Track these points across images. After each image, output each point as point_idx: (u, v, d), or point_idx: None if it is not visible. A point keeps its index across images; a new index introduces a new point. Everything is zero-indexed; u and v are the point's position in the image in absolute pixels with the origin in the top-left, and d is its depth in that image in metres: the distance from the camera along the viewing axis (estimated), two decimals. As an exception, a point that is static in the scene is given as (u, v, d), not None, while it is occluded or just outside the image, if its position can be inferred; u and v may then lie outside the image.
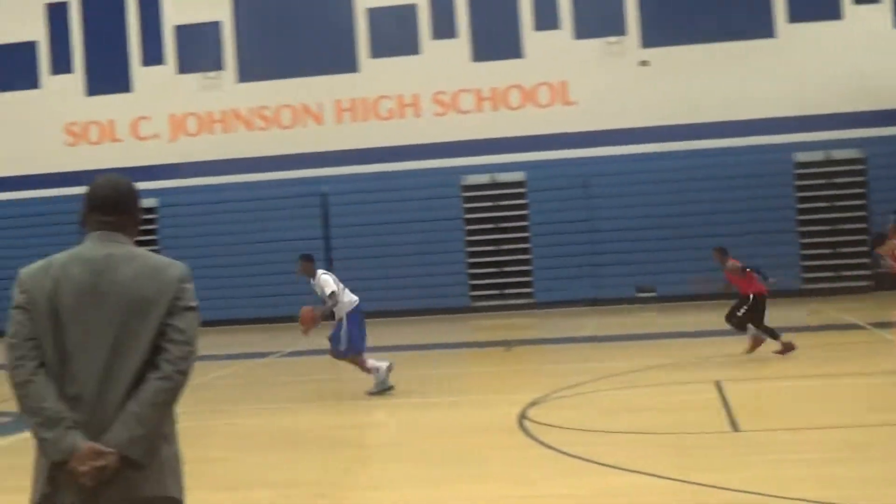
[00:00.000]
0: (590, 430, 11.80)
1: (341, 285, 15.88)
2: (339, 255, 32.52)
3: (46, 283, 4.18)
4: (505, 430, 12.07)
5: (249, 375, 19.69)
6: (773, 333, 17.44)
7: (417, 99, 33.50)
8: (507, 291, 32.64)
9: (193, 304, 4.26)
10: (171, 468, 4.22)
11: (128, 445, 4.05)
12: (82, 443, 4.04)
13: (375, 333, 27.60)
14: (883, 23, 32.10)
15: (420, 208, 32.63)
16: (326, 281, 15.69)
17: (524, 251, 32.72)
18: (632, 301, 31.03)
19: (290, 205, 33.13)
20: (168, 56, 34.41)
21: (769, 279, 17.81)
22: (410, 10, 33.51)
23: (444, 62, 33.22)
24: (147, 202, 32.67)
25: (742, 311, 17.58)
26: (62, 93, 34.61)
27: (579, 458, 10.18)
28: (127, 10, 34.48)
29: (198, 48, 34.15)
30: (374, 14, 33.65)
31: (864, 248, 28.71)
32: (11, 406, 12.98)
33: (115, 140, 34.55)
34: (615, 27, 32.84)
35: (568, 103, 32.82)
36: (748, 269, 17.73)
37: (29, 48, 34.76)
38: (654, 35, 32.64)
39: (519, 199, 32.95)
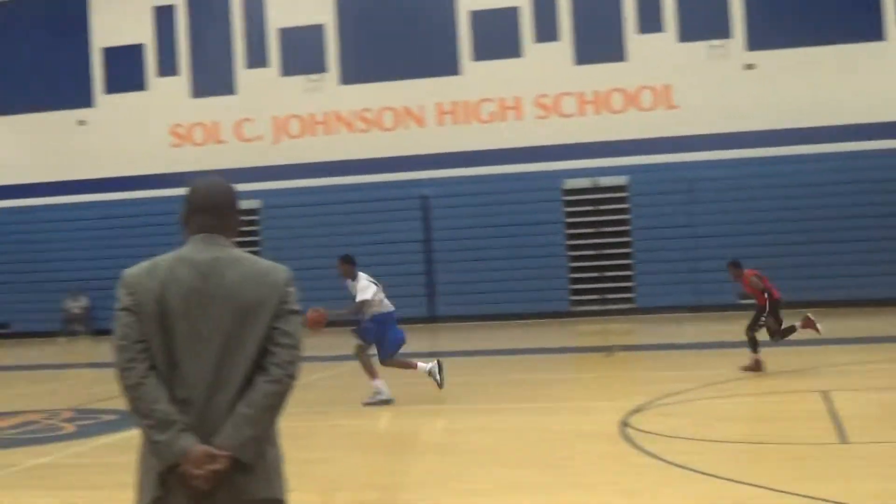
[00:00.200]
0: (693, 439, 11.59)
1: (381, 295, 15.97)
2: (440, 259, 32.53)
3: (153, 286, 4.18)
4: (606, 437, 11.91)
5: (352, 377, 19.70)
6: (755, 345, 17.08)
7: (519, 102, 33.37)
8: (607, 296, 32.35)
9: (297, 307, 4.28)
10: (277, 469, 4.23)
11: (239, 448, 4.07)
12: (195, 446, 4.05)
13: (475, 337, 27.63)
14: None
15: (521, 212, 32.49)
16: (366, 288, 15.82)
17: (625, 256, 32.41)
18: (734, 307, 30.57)
19: (391, 207, 33.19)
20: (272, 58, 34.70)
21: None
22: (513, 13, 33.40)
23: (547, 65, 33.05)
24: (250, 204, 32.99)
25: (762, 321, 17.26)
26: (168, 95, 35.09)
27: (683, 467, 9.99)
28: (232, 14, 34.86)
29: (301, 51, 34.38)
30: (477, 16, 33.60)
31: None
32: (118, 404, 13.15)
33: (219, 142, 34.93)
34: (720, 30, 32.40)
35: (671, 107, 32.45)
36: (761, 278, 17.58)
37: (136, 51, 35.31)
38: (760, 38, 32.13)
39: (621, 203, 32.66)
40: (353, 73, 34.21)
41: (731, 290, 30.68)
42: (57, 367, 25.77)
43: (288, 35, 34.58)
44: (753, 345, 17.12)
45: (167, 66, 35.29)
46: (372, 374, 15.74)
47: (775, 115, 31.48)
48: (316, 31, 34.43)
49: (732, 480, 9.31)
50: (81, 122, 35.41)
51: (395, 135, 33.91)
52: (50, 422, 15.25)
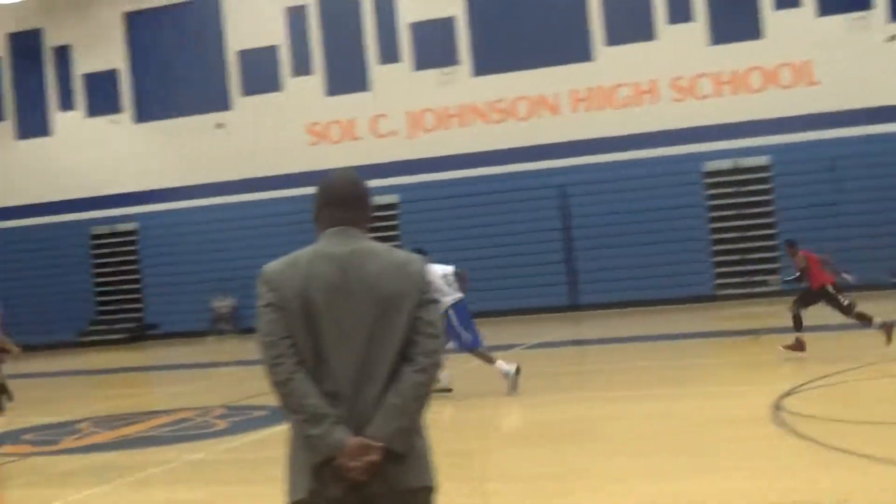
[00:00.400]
0: (848, 421, 11.31)
1: (447, 288, 15.77)
2: (580, 247, 32.34)
3: (295, 281, 4.19)
4: (757, 420, 11.68)
5: (489, 368, 19.69)
6: (799, 325, 16.78)
7: (655, 85, 32.99)
8: (752, 279, 31.77)
9: (436, 296, 4.29)
10: (426, 458, 4.24)
11: (392, 438, 4.09)
12: (349, 438, 4.07)
13: (618, 324, 27.41)
14: None
15: (661, 196, 32.11)
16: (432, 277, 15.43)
17: (769, 237, 31.80)
18: (884, 286, 29.77)
19: (529, 197, 33.09)
20: (404, 53, 34.87)
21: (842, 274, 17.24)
22: (645, -4, 33.06)
23: (681, 46, 32.61)
24: (387, 199, 33.23)
25: (833, 303, 17.09)
26: (303, 94, 35.52)
27: (840, 449, 9.74)
28: (363, 10, 35.12)
29: (433, 44, 34.48)
30: (609, 1, 33.28)
31: None
32: (267, 400, 13.35)
33: (354, 138, 35.24)
34: (859, 1, 31.56)
35: (812, 83, 31.72)
36: (824, 261, 17.34)
37: (271, 52, 35.82)
38: (903, 8, 31.25)
39: (763, 183, 32.06)
40: (486, 64, 34.18)
41: (880, 270, 29.92)
42: (207, 365, 26.30)
43: (419, 29, 34.72)
44: (797, 323, 16.90)
45: (301, 66, 35.73)
46: (489, 360, 15.68)
47: (921, 86, 30.60)
48: (447, 23, 34.50)
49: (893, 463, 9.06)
50: (220, 125, 36.06)
51: (530, 124, 33.80)
52: (203, 419, 15.56)
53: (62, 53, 38.15)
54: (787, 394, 13.24)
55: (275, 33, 35.85)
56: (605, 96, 33.30)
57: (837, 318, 17.89)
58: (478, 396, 15.71)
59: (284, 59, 35.87)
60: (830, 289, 17.25)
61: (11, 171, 38.69)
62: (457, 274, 16.31)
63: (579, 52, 33.37)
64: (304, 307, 4.15)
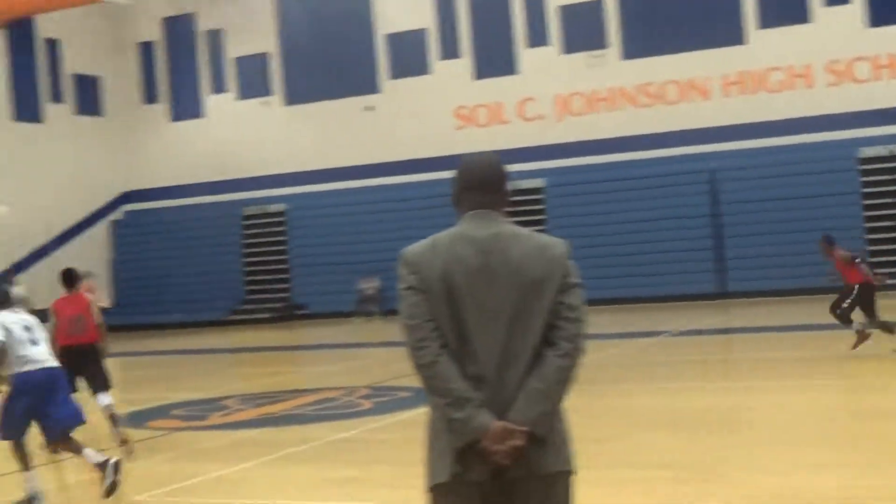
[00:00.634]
0: None
1: None
2: (731, 233, 31.77)
3: (437, 264, 4.16)
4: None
5: (640, 355, 19.51)
6: (887, 326, 16.18)
7: (809, 69, 32.21)
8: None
9: (579, 280, 4.24)
10: (566, 443, 4.21)
11: (534, 422, 4.06)
12: (493, 422, 4.04)
13: (768, 312, 26.87)
14: None
15: (814, 183, 31.36)
16: None
17: (926, 226, 30.82)
18: None
19: (676, 182, 32.65)
20: (552, 37, 34.67)
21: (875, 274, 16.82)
22: (801, -23, 32.28)
23: (837, 29, 31.77)
24: (533, 183, 33.12)
25: (846, 302, 16.48)
26: (451, 77, 35.58)
27: None
28: (512, -6, 35.02)
29: (582, 27, 34.21)
30: (763, -17, 32.61)
31: None
32: (411, 382, 13.38)
33: (502, 122, 35.19)
34: None
35: (975, 67, 30.63)
36: (856, 259, 16.72)
37: (419, 35, 35.95)
38: None
39: (921, 171, 31.08)
40: (635, 47, 33.79)
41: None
42: (352, 346, 26.55)
43: (568, 12, 34.47)
44: (883, 326, 16.43)
45: (450, 50, 35.79)
46: None
47: None
48: (596, 6, 34.18)
49: None
50: (369, 108, 36.35)
51: (679, 108, 33.33)
52: (348, 398, 15.70)
53: (214, 37, 38.88)
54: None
55: (423, 17, 35.96)
56: (758, 80, 32.64)
57: None
58: (614, 382, 15.55)
59: (433, 42, 35.97)
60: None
61: (165, 152, 39.62)
62: None
63: (732, 35, 32.76)
64: (446, 290, 4.13)
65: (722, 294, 31.43)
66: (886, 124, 31.02)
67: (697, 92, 33.23)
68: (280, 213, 37.68)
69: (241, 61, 38.52)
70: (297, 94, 37.72)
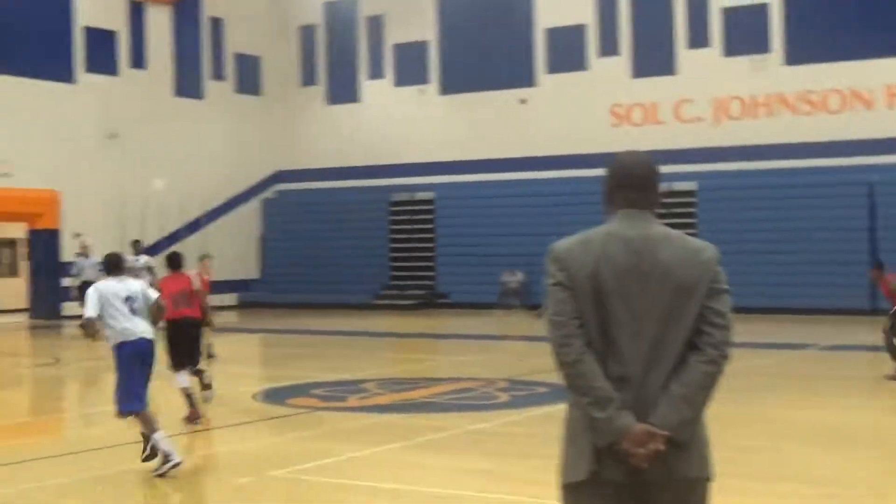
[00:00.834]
0: None
1: None
2: (886, 248, 30.89)
3: (586, 261, 4.13)
4: None
5: (786, 366, 19.14)
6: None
7: (983, 81, 31.12)
8: None
9: (727, 286, 4.21)
10: (706, 450, 4.19)
11: (677, 427, 4.04)
12: (635, 424, 4.03)
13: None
14: None
15: None
16: None
17: None
18: None
19: (834, 193, 31.84)
20: (714, 39, 34.13)
21: None
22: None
23: None
24: (686, 186, 32.67)
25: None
26: (608, 75, 35.29)
27: None
28: (675, -7, 34.58)
29: (745, 31, 33.58)
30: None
31: None
32: (550, 377, 13.30)
33: (657, 122, 34.79)
34: None
35: None
36: None
37: (579, 31, 35.74)
38: None
39: None
40: (799, 53, 33.05)
41: None
42: (493, 338, 26.57)
43: (731, 14, 33.89)
44: (893, 351, 15.94)
45: (608, 47, 35.50)
46: None
47: None
48: (760, 10, 33.54)
49: None
50: (523, 101, 36.30)
51: (841, 118, 32.50)
52: (486, 390, 15.70)
53: (375, 23, 39.23)
54: None
55: (584, 12, 35.73)
56: (925, 93, 31.66)
57: None
58: (758, 392, 15.25)
59: (592, 38, 35.73)
60: None
61: (319, 134, 40.12)
62: None
63: (897, 44, 31.84)
64: (595, 288, 4.11)
65: (875, 311, 30.57)
66: None
67: (861, 102, 32.37)
68: (429, 202, 37.85)
69: (400, 48, 38.79)
70: (452, 84, 37.83)
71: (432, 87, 38.26)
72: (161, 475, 10.01)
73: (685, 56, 34.39)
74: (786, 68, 33.10)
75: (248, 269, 39.57)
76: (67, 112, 33.79)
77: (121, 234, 33.13)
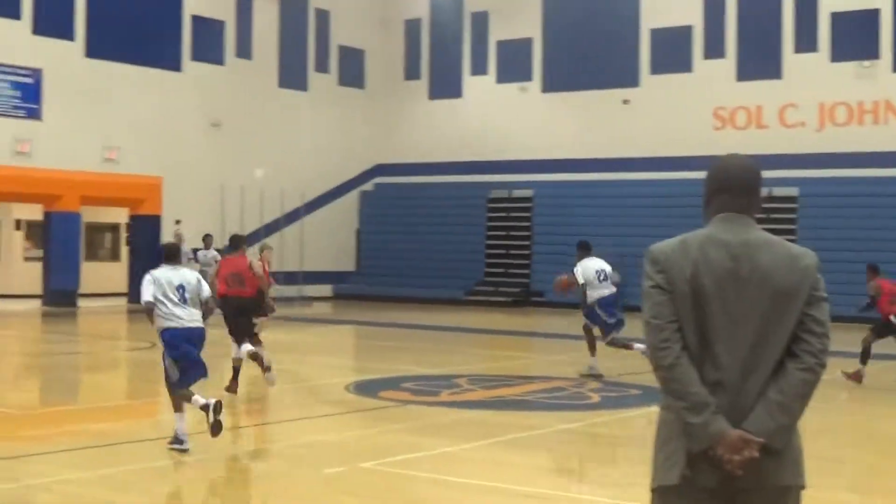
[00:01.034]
0: None
1: (597, 283, 17.28)
2: None
3: (685, 265, 4.10)
4: None
5: (881, 377, 18.77)
6: (865, 356, 16.29)
7: None
8: None
9: (826, 294, 4.16)
10: (800, 458, 4.15)
11: (772, 435, 4.01)
12: (730, 430, 4.00)
13: None
14: None
15: None
16: (576, 272, 17.29)
17: None
18: None
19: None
20: (822, 43, 33.61)
21: None
22: None
23: None
24: (787, 191, 32.25)
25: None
26: (713, 77, 34.93)
27: None
28: (784, -3, 34.11)
29: (854, 36, 33.03)
30: None
31: None
32: (642, 379, 13.26)
33: (760, 126, 34.38)
34: None
35: None
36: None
37: (685, 32, 35.42)
38: None
39: None
40: (909, 60, 32.45)
41: None
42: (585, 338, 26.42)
43: (840, 19, 33.34)
44: (863, 355, 16.45)
45: (714, 49, 35.13)
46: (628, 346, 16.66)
47: None
48: (870, 15, 32.97)
49: None
50: (626, 102, 36.09)
51: (951, 127, 31.86)
52: (577, 390, 15.65)
53: (480, 19, 39.26)
54: None
55: (690, 13, 35.41)
56: None
57: None
58: (853, 403, 15.00)
59: (697, 40, 35.39)
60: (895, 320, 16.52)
61: (420, 128, 40.29)
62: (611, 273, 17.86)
63: None
64: (693, 292, 4.08)
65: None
66: None
67: (972, 111, 31.69)
68: (527, 199, 37.78)
69: (503, 45, 38.77)
70: (555, 82, 37.73)
71: (534, 84, 38.21)
72: (171, 449, 10.55)
73: (791, 60, 33.93)
74: (894, 75, 32.51)
75: (344, 261, 39.87)
76: (173, 100, 34.32)
77: (220, 222, 33.60)
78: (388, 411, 13.80)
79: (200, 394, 10.76)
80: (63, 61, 31.88)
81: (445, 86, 39.98)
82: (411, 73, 40.90)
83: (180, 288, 10.73)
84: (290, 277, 36.29)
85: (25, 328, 27.49)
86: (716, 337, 4.06)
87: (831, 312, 4.17)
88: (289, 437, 11.94)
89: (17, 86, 31.07)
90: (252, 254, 16.22)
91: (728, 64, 34.90)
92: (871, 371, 17.25)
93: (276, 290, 18.96)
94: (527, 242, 37.45)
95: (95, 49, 32.64)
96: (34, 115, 31.38)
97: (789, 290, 4.06)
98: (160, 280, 10.73)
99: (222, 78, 35.93)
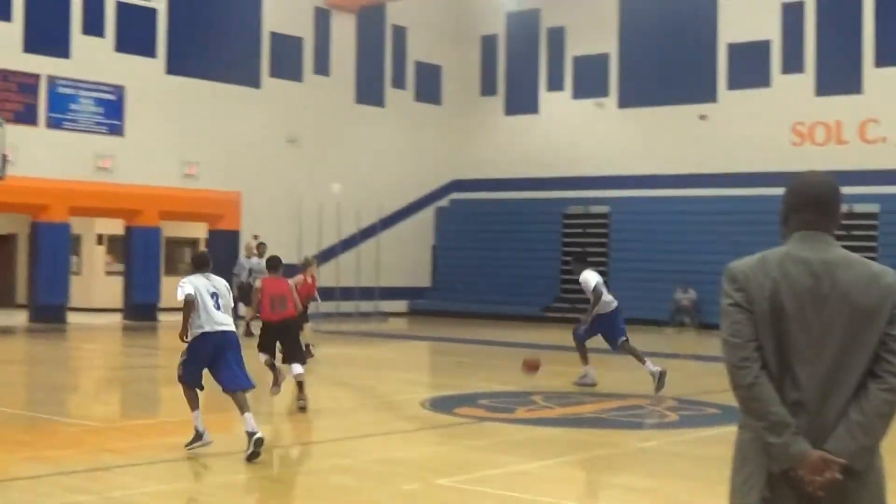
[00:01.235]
0: None
1: (608, 296, 17.84)
2: None
3: (765, 283, 4.08)
4: None
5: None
6: None
7: None
8: None
9: None
10: (882, 480, 4.11)
11: (854, 455, 3.98)
12: (810, 451, 3.97)
13: None
14: None
15: None
16: (588, 279, 17.84)
17: None
18: None
19: None
20: (903, 56, 33.18)
21: None
22: None
23: None
24: (868, 207, 31.85)
25: None
26: (791, 92, 34.59)
27: None
28: (864, 10, 33.64)
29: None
30: None
31: None
32: (721, 398, 13.12)
33: (840, 142, 33.97)
34: None
35: None
36: None
37: (763, 47, 35.11)
38: None
39: None
40: None
41: None
42: (663, 355, 26.23)
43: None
44: None
45: (792, 63, 34.79)
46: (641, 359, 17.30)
47: None
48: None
49: None
50: (703, 117, 35.84)
51: None
52: (654, 408, 15.56)
53: (556, 34, 39.23)
54: None
55: (768, 28, 35.10)
56: None
57: None
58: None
59: (775, 54, 35.08)
60: None
61: (496, 144, 40.32)
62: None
63: None
64: (773, 311, 4.05)
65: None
66: None
67: None
68: (603, 216, 37.65)
69: (580, 60, 38.70)
70: (631, 97, 37.58)
71: (611, 100, 38.09)
72: (190, 448, 11.08)
73: (872, 74, 33.53)
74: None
75: (420, 276, 39.96)
76: (251, 116, 34.68)
77: (297, 237, 33.86)
78: (464, 428, 13.81)
79: (254, 419, 11.06)
80: (145, 78, 32.36)
81: (521, 102, 39.99)
82: (487, 88, 40.96)
83: (214, 295, 11.22)
84: (365, 293, 36.48)
85: (107, 342, 27.89)
86: (795, 356, 4.03)
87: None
88: (365, 452, 11.99)
89: (100, 102, 31.60)
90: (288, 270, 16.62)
91: (807, 79, 34.54)
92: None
93: (317, 306, 19.34)
94: (603, 259, 37.27)
95: (176, 66, 33.11)
96: (116, 131, 31.89)
97: (870, 309, 4.02)
98: (197, 286, 11.20)
99: (300, 94, 36.24)
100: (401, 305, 38.45)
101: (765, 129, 34.54)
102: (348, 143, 37.38)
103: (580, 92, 38.67)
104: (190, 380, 11.27)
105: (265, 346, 14.76)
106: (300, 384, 14.29)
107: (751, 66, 35.20)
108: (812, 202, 4.20)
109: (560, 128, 38.77)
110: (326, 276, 35.75)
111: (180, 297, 11.19)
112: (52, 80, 30.68)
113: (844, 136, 33.88)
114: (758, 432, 4.03)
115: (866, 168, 32.25)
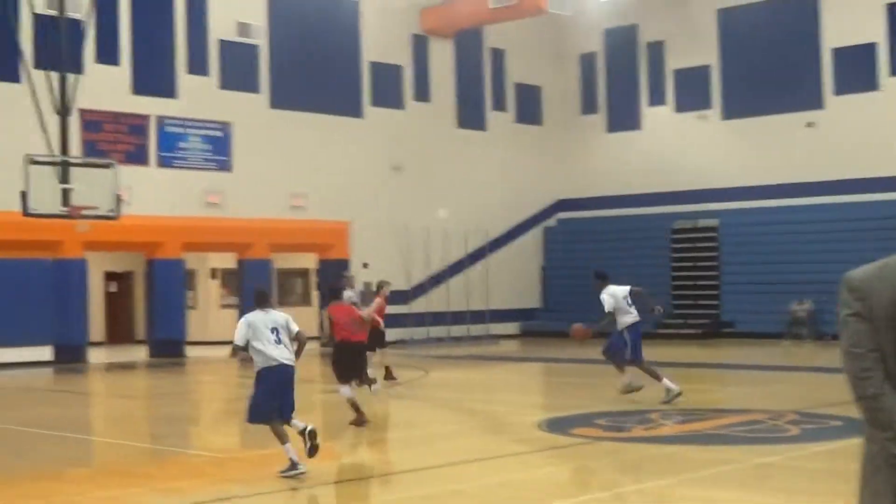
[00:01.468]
0: None
1: (628, 308, 18.47)
2: None
3: (885, 292, 3.98)
4: None
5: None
6: None
7: None
8: None
9: None
10: None
11: None
12: None
13: None
14: None
15: None
16: (604, 300, 18.27)
17: None
18: None
19: None
20: None
21: None
22: None
23: None
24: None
25: None
26: (902, 95, 33.97)
27: None
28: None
29: None
30: None
31: None
32: (844, 410, 12.89)
33: (954, 143, 33.26)
34: None
35: None
36: None
37: (869, 50, 34.50)
38: None
39: None
40: None
41: None
42: (780, 368, 25.87)
43: None
44: None
45: (900, 64, 34.17)
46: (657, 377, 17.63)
47: None
48: None
49: None
50: (810, 125, 35.30)
51: None
52: (774, 422, 15.29)
53: (656, 49, 39.00)
54: None
55: (873, 30, 34.49)
56: None
57: None
58: None
59: (882, 56, 34.44)
60: None
61: (599, 162, 40.16)
62: (632, 293, 19.02)
63: None
64: (893, 318, 3.94)
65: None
66: None
67: None
68: (712, 229, 37.24)
69: (680, 73, 38.42)
70: (735, 108, 37.17)
71: (714, 112, 37.72)
72: (286, 477, 11.34)
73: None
74: None
75: (530, 297, 39.88)
76: (355, 145, 35.01)
77: (405, 264, 34.01)
78: (581, 448, 13.72)
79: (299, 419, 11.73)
80: (250, 113, 32.87)
81: (623, 118, 39.81)
82: (588, 107, 40.84)
83: (274, 330, 11.56)
84: (476, 316, 36.50)
85: (224, 373, 28.26)
86: (918, 365, 3.93)
87: None
88: (483, 475, 11.97)
89: (207, 139, 32.18)
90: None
91: (911, 78, 33.89)
92: None
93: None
94: (714, 272, 36.88)
95: (279, 100, 33.58)
96: (224, 167, 32.42)
97: None
98: (255, 324, 11.55)
99: (402, 121, 36.50)
100: (512, 327, 38.42)
101: (875, 133, 33.92)
102: (452, 167, 37.52)
103: (682, 105, 38.38)
104: (259, 418, 11.75)
105: (342, 371, 15.58)
106: (355, 405, 15.17)
107: (857, 69, 34.61)
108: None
109: (663, 142, 38.49)
110: (438, 300, 35.89)
111: (234, 342, 11.64)
112: (161, 121, 31.33)
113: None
114: (883, 444, 3.94)
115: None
